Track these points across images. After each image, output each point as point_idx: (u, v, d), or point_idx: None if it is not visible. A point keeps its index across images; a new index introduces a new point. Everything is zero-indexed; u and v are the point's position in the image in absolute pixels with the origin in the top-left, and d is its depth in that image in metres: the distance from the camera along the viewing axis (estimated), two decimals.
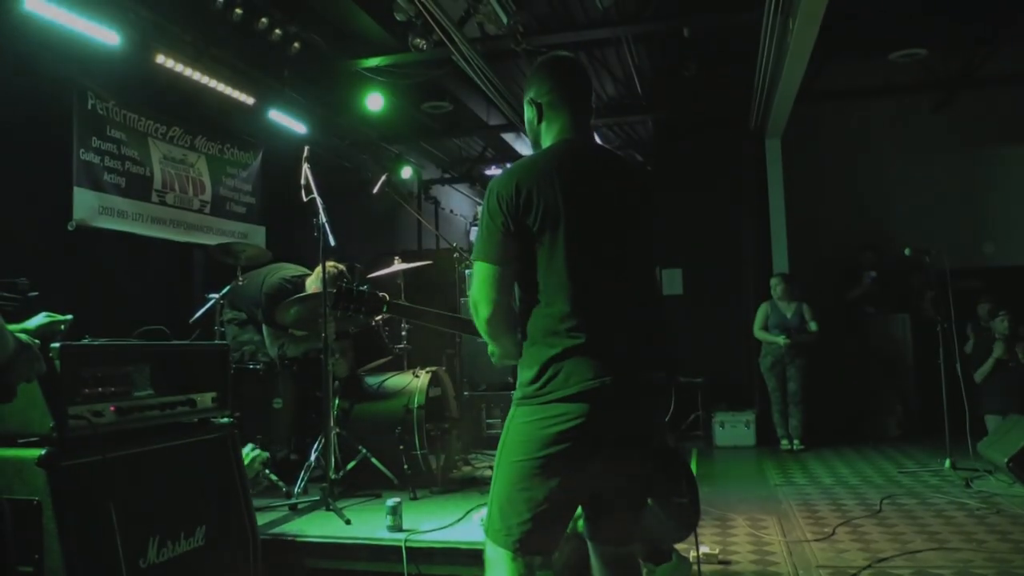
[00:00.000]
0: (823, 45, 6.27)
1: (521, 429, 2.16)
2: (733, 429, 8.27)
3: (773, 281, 8.04)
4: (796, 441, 7.76)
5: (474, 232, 14.80)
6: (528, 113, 2.41)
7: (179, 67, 6.25)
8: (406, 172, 10.56)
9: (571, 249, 2.15)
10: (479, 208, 15.47)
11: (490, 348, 2.34)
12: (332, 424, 4.74)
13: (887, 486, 5.92)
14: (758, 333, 8.04)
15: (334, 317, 4.70)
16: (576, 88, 2.39)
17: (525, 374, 2.19)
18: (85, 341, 2.81)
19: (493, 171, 13.14)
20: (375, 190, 5.68)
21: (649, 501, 3.56)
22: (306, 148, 4.82)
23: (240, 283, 5.33)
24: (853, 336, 8.76)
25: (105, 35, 5.52)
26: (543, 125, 2.37)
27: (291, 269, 5.49)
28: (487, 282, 2.18)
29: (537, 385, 2.14)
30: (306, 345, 5.34)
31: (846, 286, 9.08)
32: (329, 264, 4.94)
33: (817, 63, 7.79)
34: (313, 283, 5.21)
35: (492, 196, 2.18)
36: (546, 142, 2.36)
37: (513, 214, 2.14)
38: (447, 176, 12.91)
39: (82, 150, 5.87)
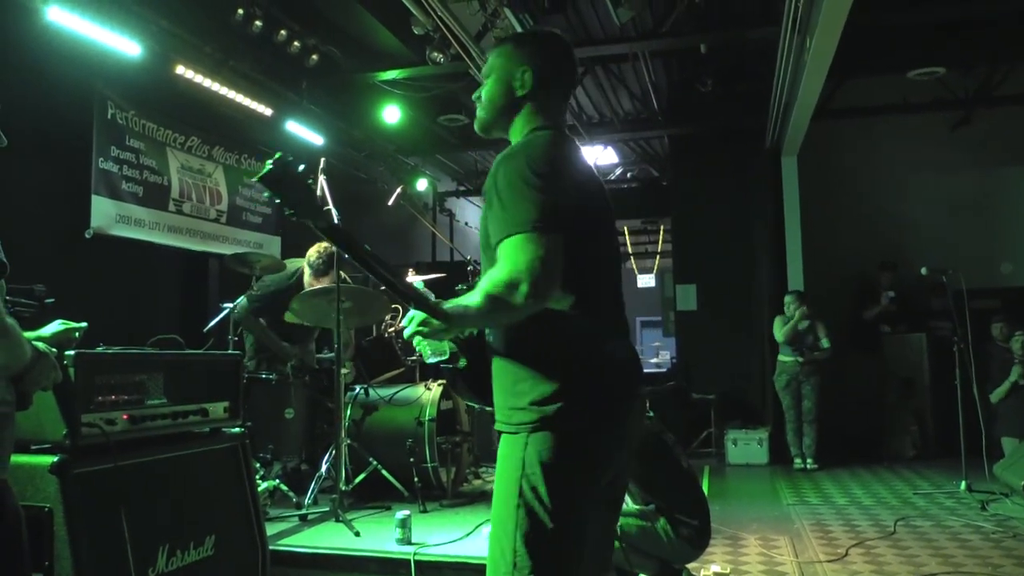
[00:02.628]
0: (840, 62, 6.25)
1: (561, 457, 1.83)
2: (746, 447, 8.20)
3: (788, 299, 7.98)
4: (809, 460, 7.69)
5: None
6: (515, 73, 2.07)
7: (198, 78, 6.32)
8: (421, 184, 10.60)
9: (591, 249, 1.96)
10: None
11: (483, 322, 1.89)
12: (343, 435, 4.75)
13: (901, 507, 5.85)
14: (780, 336, 7.87)
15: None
16: (574, 76, 2.22)
17: (542, 388, 1.85)
18: (99, 349, 2.82)
19: None
20: (390, 202, 5.72)
21: (662, 521, 3.57)
22: (322, 159, 4.85)
23: (255, 292, 5.36)
24: (869, 355, 8.69)
25: (126, 46, 5.58)
26: (531, 102, 2.07)
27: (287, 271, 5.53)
28: (556, 256, 1.78)
29: (570, 402, 1.84)
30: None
31: (863, 305, 9.02)
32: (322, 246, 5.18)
33: (834, 80, 7.78)
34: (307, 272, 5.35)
35: (534, 162, 1.86)
36: (527, 121, 2.08)
37: (557, 184, 1.84)
38: (462, 189, 12.96)
39: (101, 159, 5.93)
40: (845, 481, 7.05)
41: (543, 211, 1.79)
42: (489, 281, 1.79)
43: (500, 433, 1.95)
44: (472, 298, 1.81)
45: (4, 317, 1.79)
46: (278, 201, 1.84)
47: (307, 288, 5.21)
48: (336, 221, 1.95)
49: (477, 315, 1.80)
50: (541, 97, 2.09)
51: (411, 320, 1.87)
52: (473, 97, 2.20)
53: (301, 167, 1.85)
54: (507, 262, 1.77)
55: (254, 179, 1.86)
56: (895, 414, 8.38)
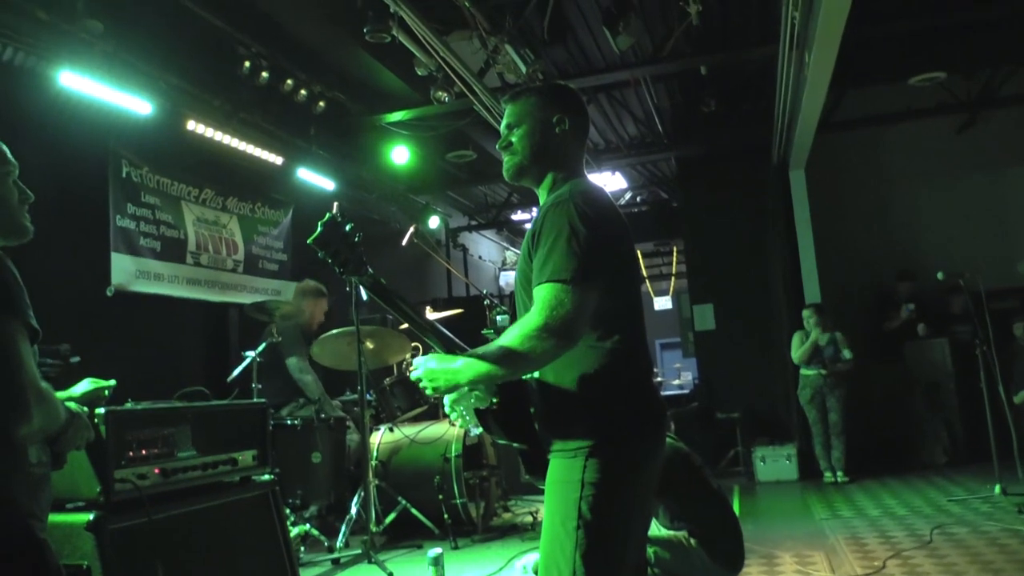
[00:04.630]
0: (842, 74, 6.30)
1: (619, 478, 1.96)
2: (775, 463, 8.14)
3: (806, 313, 7.97)
4: (840, 473, 7.63)
5: (504, 277, 14.88)
6: (550, 119, 2.19)
7: (209, 132, 6.43)
8: (434, 221, 10.68)
9: (633, 290, 2.14)
10: (506, 251, 15.44)
11: (480, 372, 1.94)
12: (371, 476, 4.77)
13: (936, 516, 5.78)
14: (796, 356, 7.88)
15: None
16: (589, 129, 2.36)
17: (601, 414, 1.99)
18: (128, 405, 2.86)
19: (519, 216, 13.25)
20: (404, 242, 5.77)
21: (694, 543, 3.55)
22: (335, 204, 4.92)
23: (276, 339, 5.41)
24: (891, 363, 8.63)
25: (138, 105, 5.70)
26: (564, 148, 2.20)
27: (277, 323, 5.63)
28: (586, 309, 1.91)
29: (625, 426, 1.99)
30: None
31: (883, 316, 8.96)
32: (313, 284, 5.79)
33: (837, 92, 7.82)
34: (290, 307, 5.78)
35: (583, 212, 1.97)
36: (559, 168, 2.20)
37: (601, 235, 1.97)
38: (474, 223, 13.04)
39: (118, 216, 6.03)
40: (877, 492, 6.98)
41: (583, 263, 1.90)
42: (524, 326, 1.90)
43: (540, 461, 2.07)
44: (503, 341, 1.93)
45: (39, 382, 1.84)
46: (329, 261, 1.98)
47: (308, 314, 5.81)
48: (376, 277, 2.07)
49: (512, 355, 1.90)
50: (573, 144, 2.22)
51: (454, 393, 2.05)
52: (498, 146, 2.27)
53: (349, 226, 2.01)
54: (543, 307, 1.89)
55: (308, 241, 1.97)
56: (923, 421, 8.30)
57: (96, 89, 5.38)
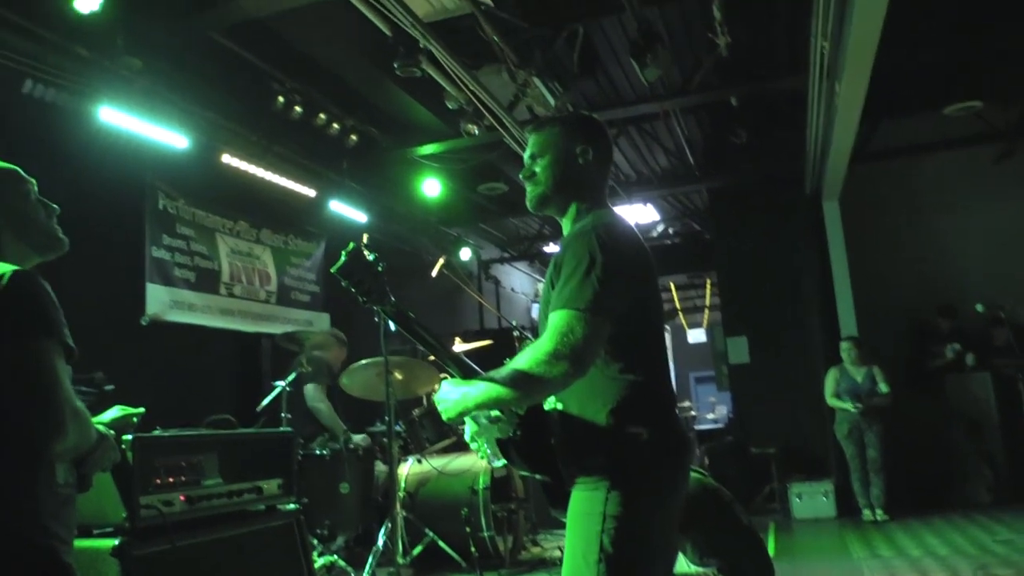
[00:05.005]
0: (875, 104, 6.24)
1: (641, 511, 1.93)
2: (811, 500, 7.96)
3: (845, 346, 7.84)
4: (879, 511, 7.43)
5: (535, 309, 14.85)
6: (574, 149, 2.18)
7: (244, 165, 6.56)
8: (465, 253, 10.73)
9: (655, 321, 2.12)
10: (538, 283, 15.47)
11: (490, 398, 1.93)
12: (399, 508, 4.74)
13: (980, 556, 5.60)
14: (831, 400, 7.80)
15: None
16: (612, 158, 2.35)
17: (624, 446, 1.95)
18: (156, 432, 2.89)
19: (551, 248, 13.26)
20: (434, 273, 5.79)
21: None
22: (364, 236, 4.96)
23: (306, 369, 5.44)
24: (930, 397, 8.42)
25: (174, 139, 5.83)
26: (587, 178, 2.19)
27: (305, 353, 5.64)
28: (598, 339, 1.90)
29: (648, 459, 1.95)
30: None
31: (924, 352, 8.75)
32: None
33: (871, 121, 7.75)
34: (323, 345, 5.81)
35: (604, 243, 1.95)
36: (582, 198, 2.18)
37: (621, 266, 1.96)
38: (506, 255, 13.08)
39: (154, 248, 6.14)
40: (918, 531, 6.79)
41: (599, 293, 1.89)
42: (534, 351, 1.89)
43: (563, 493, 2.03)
44: (513, 365, 1.91)
45: (75, 400, 1.87)
46: (352, 290, 2.01)
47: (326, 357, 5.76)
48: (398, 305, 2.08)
49: (520, 379, 1.89)
50: (596, 174, 2.21)
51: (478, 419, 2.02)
52: (522, 176, 2.26)
53: (372, 256, 2.05)
54: (553, 334, 1.88)
55: (332, 270, 2.00)
56: (965, 457, 8.07)
57: (134, 124, 5.52)
